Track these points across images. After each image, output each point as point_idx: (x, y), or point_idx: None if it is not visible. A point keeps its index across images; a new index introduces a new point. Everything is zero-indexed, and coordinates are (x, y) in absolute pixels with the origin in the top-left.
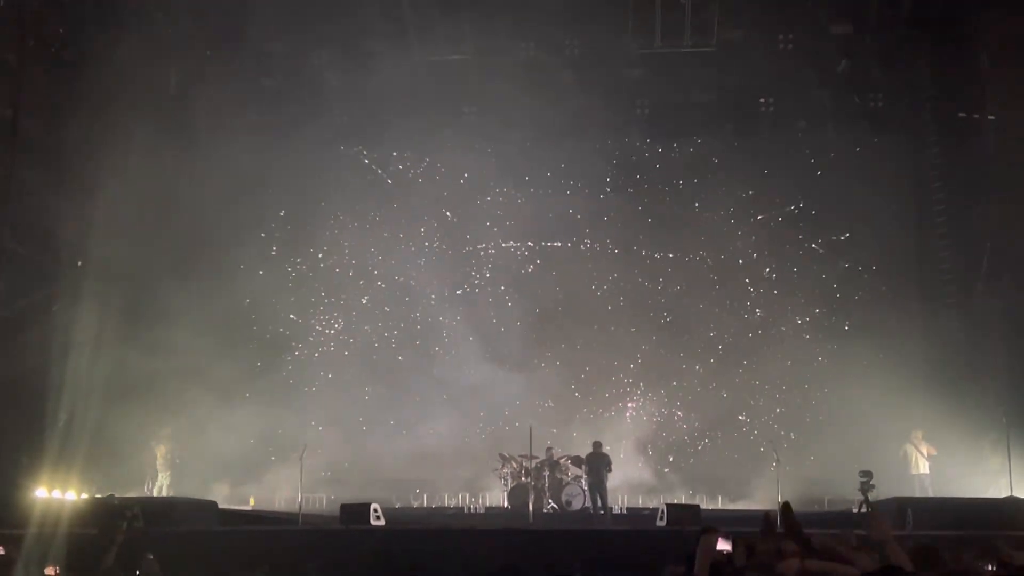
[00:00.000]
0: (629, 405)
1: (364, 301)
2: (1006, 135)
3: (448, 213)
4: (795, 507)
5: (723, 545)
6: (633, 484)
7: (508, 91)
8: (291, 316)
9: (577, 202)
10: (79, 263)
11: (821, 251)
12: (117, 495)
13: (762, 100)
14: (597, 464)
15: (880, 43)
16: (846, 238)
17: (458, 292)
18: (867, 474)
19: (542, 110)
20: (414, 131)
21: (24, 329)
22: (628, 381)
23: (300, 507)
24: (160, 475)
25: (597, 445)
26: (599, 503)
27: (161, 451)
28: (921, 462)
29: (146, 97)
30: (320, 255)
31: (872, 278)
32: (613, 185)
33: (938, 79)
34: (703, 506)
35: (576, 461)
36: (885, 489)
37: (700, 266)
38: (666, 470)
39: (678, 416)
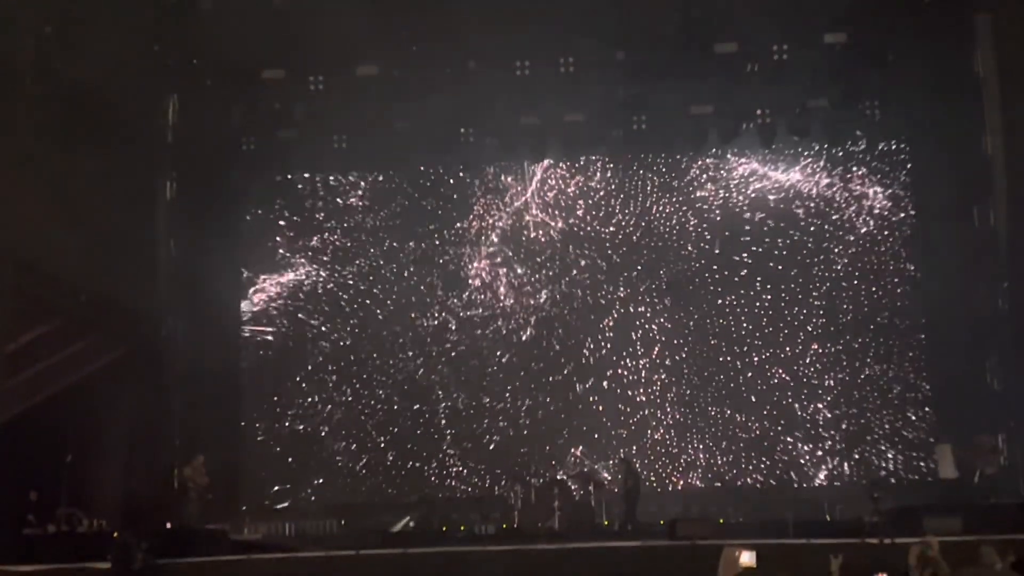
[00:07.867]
0: (648, 415)
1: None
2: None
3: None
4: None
5: (747, 559)
6: (646, 498)
7: None
8: None
9: None
10: (82, 297)
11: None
12: (128, 527)
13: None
14: (630, 480)
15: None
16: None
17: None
18: (877, 488)
19: None
20: None
21: (30, 364)
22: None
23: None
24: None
25: (623, 462)
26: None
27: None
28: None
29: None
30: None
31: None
32: None
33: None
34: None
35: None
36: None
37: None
38: (688, 482)
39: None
